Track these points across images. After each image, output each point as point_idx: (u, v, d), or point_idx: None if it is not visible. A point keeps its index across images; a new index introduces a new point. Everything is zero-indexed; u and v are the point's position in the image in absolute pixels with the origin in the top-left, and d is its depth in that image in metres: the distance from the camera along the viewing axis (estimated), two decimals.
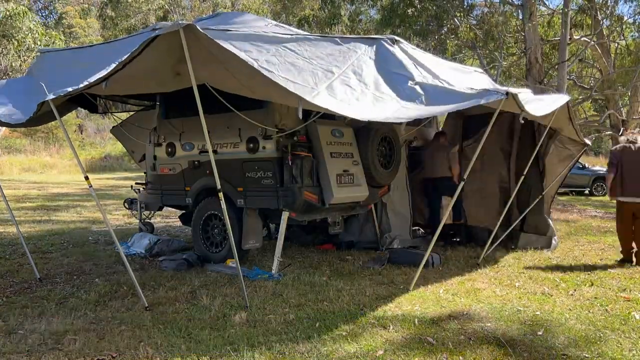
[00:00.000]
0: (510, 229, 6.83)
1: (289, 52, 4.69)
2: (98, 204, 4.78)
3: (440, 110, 4.27)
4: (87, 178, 4.59)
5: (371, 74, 4.84)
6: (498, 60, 15.82)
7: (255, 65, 4.07)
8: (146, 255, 6.87)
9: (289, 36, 4.94)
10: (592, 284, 5.30)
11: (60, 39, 20.62)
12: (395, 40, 5.25)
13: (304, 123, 5.68)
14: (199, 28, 3.89)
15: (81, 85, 4.12)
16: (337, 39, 5.24)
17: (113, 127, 8.47)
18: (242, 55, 4.06)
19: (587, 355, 3.54)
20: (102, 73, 4.06)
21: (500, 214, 6.61)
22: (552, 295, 4.90)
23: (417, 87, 4.66)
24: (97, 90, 4.47)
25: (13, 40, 17.92)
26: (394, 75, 4.84)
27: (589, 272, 5.82)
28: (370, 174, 6.56)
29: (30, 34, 18.11)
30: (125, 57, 4.00)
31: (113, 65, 4.02)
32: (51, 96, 4.07)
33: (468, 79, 5.67)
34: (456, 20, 16.51)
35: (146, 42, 3.93)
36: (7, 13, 17.64)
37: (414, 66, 4.97)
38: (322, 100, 4.25)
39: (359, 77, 4.74)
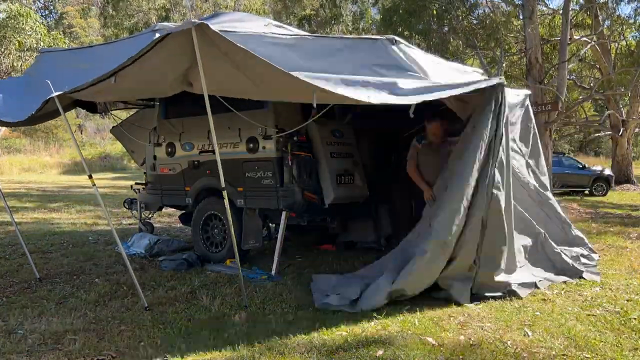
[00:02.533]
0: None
1: (292, 52, 4.70)
2: (101, 203, 4.77)
3: (444, 93, 4.38)
4: (90, 177, 4.57)
5: (373, 70, 4.87)
6: (498, 60, 15.82)
7: (271, 62, 4.02)
8: (146, 255, 6.87)
9: (290, 37, 4.94)
10: (592, 284, 5.30)
11: (64, 41, 20.62)
12: (396, 41, 5.26)
13: (304, 123, 5.68)
14: (211, 26, 3.82)
15: (90, 80, 4.08)
16: (337, 39, 5.25)
17: (113, 127, 8.48)
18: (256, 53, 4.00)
19: (587, 356, 3.54)
20: (110, 68, 4.02)
21: None
22: (552, 296, 4.90)
23: (417, 80, 4.77)
24: (102, 95, 4.44)
25: (14, 40, 17.95)
26: (395, 71, 4.88)
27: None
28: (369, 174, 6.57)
29: (33, 35, 18.15)
30: (135, 54, 3.95)
31: (122, 62, 3.99)
32: (57, 93, 4.06)
33: (467, 78, 5.69)
34: (457, 19, 16.52)
35: (157, 40, 3.85)
36: (11, 13, 17.66)
37: (413, 65, 5.00)
38: (335, 88, 4.23)
39: (363, 72, 4.75)
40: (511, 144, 5.19)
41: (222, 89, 4.68)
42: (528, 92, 6.42)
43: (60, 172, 27.01)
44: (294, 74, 4.03)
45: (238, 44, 3.88)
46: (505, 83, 4.74)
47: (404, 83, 4.52)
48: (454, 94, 4.52)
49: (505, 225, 4.75)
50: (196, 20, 3.79)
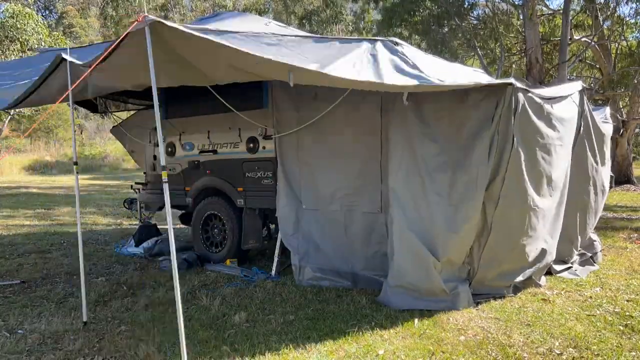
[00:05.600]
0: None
1: (289, 49, 4.67)
2: (77, 192, 4.76)
3: (446, 85, 4.17)
4: (76, 164, 4.49)
5: (372, 64, 4.82)
6: (498, 60, 15.82)
7: (235, 46, 3.86)
8: (146, 255, 6.87)
9: (290, 36, 4.92)
10: (592, 284, 5.30)
11: (65, 43, 20.61)
12: (396, 43, 5.25)
13: (304, 124, 5.67)
14: (167, 23, 3.51)
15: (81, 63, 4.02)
16: (337, 39, 5.23)
17: (113, 127, 8.48)
18: (220, 39, 3.82)
19: (587, 356, 3.54)
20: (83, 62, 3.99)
21: None
22: (552, 296, 4.90)
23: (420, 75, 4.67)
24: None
25: (16, 41, 17.98)
26: (395, 69, 4.84)
27: (590, 273, 5.81)
28: None
29: (35, 35, 18.17)
30: (105, 52, 3.88)
31: (92, 58, 3.93)
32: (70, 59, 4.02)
33: (469, 77, 5.65)
34: (457, 19, 16.50)
35: (118, 40, 3.77)
36: (12, 13, 17.65)
37: (413, 66, 4.97)
38: (316, 67, 3.95)
39: (360, 64, 4.69)
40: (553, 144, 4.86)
41: (171, 81, 4.55)
42: (579, 85, 5.67)
43: (61, 172, 27.01)
44: (266, 56, 3.91)
45: (200, 34, 3.69)
46: (520, 85, 4.39)
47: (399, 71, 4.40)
48: (454, 87, 4.28)
49: (521, 229, 4.67)
50: (152, 17, 3.59)
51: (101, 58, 3.79)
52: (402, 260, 4.59)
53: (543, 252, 5.04)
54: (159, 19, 3.42)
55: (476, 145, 4.40)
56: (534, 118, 4.59)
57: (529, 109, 4.51)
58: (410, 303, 4.52)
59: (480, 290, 4.75)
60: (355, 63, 4.32)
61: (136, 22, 3.39)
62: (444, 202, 4.50)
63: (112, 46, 3.72)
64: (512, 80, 4.31)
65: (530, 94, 4.53)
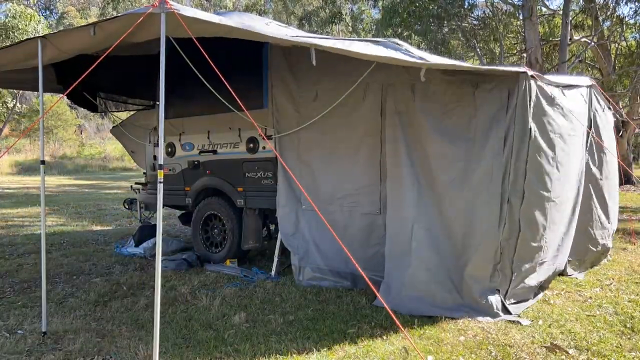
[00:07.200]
0: None
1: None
2: (42, 190, 4.76)
3: (465, 65, 4.21)
4: (43, 162, 4.44)
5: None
6: (498, 60, 15.82)
7: (263, 31, 3.83)
8: (146, 255, 6.87)
9: (292, 36, 4.91)
10: (592, 285, 5.30)
11: None
12: (397, 43, 5.25)
13: (304, 124, 5.67)
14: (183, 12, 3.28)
15: (70, 28, 3.94)
16: (340, 39, 5.23)
17: (113, 127, 8.48)
18: (236, 24, 3.77)
19: (587, 356, 3.54)
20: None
21: None
22: (552, 296, 4.90)
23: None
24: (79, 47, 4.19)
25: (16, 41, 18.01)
26: None
27: (589, 273, 5.81)
28: None
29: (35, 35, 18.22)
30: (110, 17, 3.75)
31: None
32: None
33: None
34: (457, 19, 16.50)
35: (129, 14, 3.61)
36: (14, 13, 17.63)
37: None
38: (335, 44, 3.97)
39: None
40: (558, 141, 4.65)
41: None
42: (588, 81, 5.66)
43: (60, 173, 27.02)
44: (285, 37, 3.89)
45: (218, 22, 3.56)
46: (533, 74, 4.28)
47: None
48: (477, 68, 4.28)
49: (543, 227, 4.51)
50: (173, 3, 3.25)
51: (114, 45, 3.68)
52: (416, 267, 4.50)
53: (560, 247, 4.94)
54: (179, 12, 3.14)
55: (490, 137, 4.26)
56: (547, 107, 4.45)
57: (542, 98, 4.38)
58: (427, 310, 4.35)
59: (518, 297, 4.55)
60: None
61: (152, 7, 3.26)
62: (459, 199, 4.40)
63: (126, 33, 3.56)
64: (525, 68, 4.21)
65: (540, 83, 4.40)
